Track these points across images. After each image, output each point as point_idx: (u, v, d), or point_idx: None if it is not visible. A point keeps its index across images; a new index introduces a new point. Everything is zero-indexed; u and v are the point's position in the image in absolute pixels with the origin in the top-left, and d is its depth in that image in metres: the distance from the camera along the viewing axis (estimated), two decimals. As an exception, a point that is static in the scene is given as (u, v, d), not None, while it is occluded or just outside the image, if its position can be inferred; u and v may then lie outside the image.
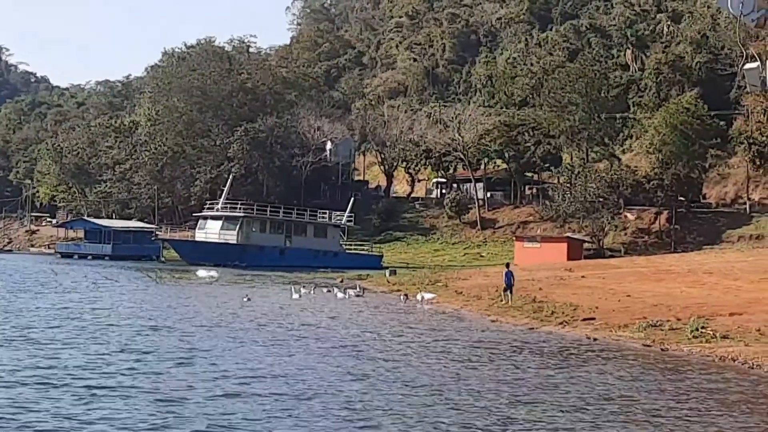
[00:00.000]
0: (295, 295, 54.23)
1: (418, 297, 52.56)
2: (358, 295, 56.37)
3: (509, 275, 47.72)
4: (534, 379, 25.30)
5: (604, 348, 32.48)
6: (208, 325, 37.16)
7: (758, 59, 12.48)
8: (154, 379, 23.38)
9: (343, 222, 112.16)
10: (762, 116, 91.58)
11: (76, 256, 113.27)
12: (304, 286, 59.46)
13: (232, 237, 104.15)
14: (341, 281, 67.71)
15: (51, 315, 39.15)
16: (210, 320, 39.06)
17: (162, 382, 22.94)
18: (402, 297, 54.31)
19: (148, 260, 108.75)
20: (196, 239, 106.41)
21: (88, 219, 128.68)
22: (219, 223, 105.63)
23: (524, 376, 25.91)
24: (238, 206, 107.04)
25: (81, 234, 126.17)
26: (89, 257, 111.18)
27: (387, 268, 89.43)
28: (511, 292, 47.40)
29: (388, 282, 68.78)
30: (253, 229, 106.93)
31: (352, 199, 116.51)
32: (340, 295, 55.73)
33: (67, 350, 28.26)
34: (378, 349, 31.28)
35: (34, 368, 24.31)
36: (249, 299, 50.85)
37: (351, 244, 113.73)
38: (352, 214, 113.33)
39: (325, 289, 59.87)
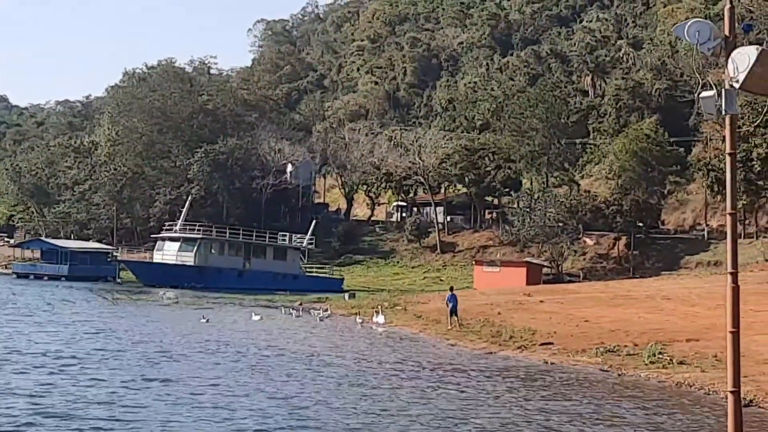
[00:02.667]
0: (256, 317, 54.25)
1: (374, 320, 52.92)
2: (328, 317, 56.57)
3: (453, 298, 48.09)
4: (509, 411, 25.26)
5: (563, 373, 32.47)
6: (190, 350, 36.92)
7: (714, 87, 12.49)
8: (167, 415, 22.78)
9: (304, 245, 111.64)
10: (720, 143, 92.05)
11: (32, 277, 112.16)
12: (286, 309, 59.77)
13: (189, 258, 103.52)
14: (300, 304, 67.56)
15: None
16: (190, 344, 38.86)
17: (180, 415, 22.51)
18: (358, 320, 54.26)
19: (105, 281, 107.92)
20: (154, 260, 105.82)
21: (45, 239, 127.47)
22: (177, 244, 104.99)
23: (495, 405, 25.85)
24: (196, 228, 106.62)
25: (38, 254, 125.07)
26: (45, 278, 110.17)
27: (347, 291, 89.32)
28: (456, 315, 47.76)
29: (347, 305, 68.62)
30: (212, 251, 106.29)
31: (314, 221, 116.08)
32: (319, 315, 56.07)
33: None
34: (350, 375, 31.24)
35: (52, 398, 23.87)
36: (207, 320, 50.73)
37: (312, 268, 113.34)
38: (313, 237, 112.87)
39: (296, 312, 59.79)
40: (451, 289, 50.91)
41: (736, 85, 12.59)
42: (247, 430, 20.98)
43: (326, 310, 60.77)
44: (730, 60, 12.65)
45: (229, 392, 26.19)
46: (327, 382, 29.12)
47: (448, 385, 29.18)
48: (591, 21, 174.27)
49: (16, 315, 52.36)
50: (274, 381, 28.94)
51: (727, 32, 12.81)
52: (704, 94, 12.81)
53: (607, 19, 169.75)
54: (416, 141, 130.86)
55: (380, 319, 52.79)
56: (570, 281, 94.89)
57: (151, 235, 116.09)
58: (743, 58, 12.51)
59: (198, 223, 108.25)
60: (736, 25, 12.96)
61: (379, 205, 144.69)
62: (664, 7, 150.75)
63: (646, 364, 32.52)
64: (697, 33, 12.75)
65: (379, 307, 58.26)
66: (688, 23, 12.91)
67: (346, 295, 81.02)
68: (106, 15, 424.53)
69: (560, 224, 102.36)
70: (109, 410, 22.43)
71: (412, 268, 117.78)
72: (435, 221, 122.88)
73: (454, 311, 47.97)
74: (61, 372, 28.98)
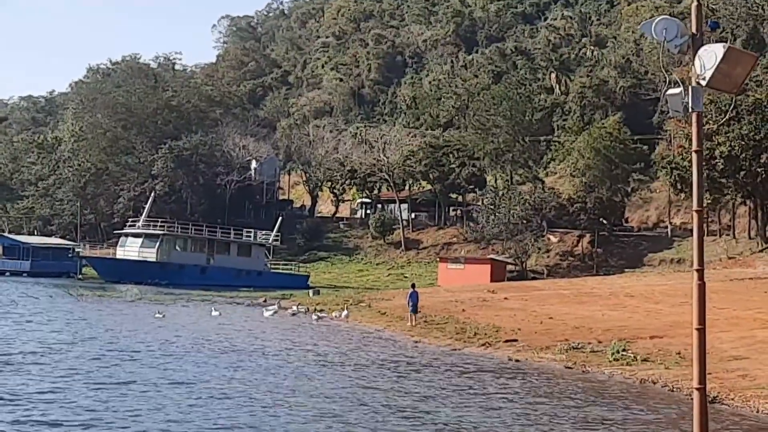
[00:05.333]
0: (215, 313, 54.21)
1: (317, 315, 53.94)
2: (296, 314, 56.62)
3: (414, 296, 48.13)
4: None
5: (528, 370, 32.48)
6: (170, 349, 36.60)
7: (681, 85, 12.49)
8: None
9: (269, 241, 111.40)
10: (684, 141, 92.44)
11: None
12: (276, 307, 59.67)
13: (151, 255, 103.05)
14: (264, 300, 67.41)
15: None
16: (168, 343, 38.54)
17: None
18: (314, 317, 54.12)
19: (67, 277, 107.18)
20: (116, 257, 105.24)
21: (6, 235, 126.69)
22: (139, 240, 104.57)
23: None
24: (159, 224, 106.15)
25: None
26: (7, 273, 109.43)
27: (313, 288, 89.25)
28: (416, 312, 47.84)
29: (311, 302, 68.52)
30: (175, 247, 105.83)
31: (280, 218, 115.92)
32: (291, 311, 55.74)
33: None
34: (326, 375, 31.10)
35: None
36: (163, 316, 50.60)
37: (278, 264, 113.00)
38: (279, 234, 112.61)
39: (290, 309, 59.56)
40: (413, 286, 51.02)
41: (703, 83, 12.59)
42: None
43: (299, 305, 60.83)
44: (697, 57, 12.65)
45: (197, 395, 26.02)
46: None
47: (405, 380, 29.13)
48: (555, 19, 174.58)
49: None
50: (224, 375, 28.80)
51: (694, 29, 12.81)
52: (671, 91, 12.80)
53: (571, 17, 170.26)
54: (381, 138, 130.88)
55: (343, 314, 53.03)
56: (534, 278, 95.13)
57: (115, 231, 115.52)
58: (710, 55, 12.51)
59: (161, 219, 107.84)
60: (703, 22, 12.97)
61: (343, 201, 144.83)
62: (629, 5, 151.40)
63: (611, 361, 32.57)
64: (664, 30, 12.74)
65: (345, 303, 58.28)
66: (656, 20, 12.90)
67: (311, 292, 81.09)
68: (69, 10, 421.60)
69: (524, 221, 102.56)
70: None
71: (377, 265, 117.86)
72: (399, 218, 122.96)
73: (414, 309, 48.04)
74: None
